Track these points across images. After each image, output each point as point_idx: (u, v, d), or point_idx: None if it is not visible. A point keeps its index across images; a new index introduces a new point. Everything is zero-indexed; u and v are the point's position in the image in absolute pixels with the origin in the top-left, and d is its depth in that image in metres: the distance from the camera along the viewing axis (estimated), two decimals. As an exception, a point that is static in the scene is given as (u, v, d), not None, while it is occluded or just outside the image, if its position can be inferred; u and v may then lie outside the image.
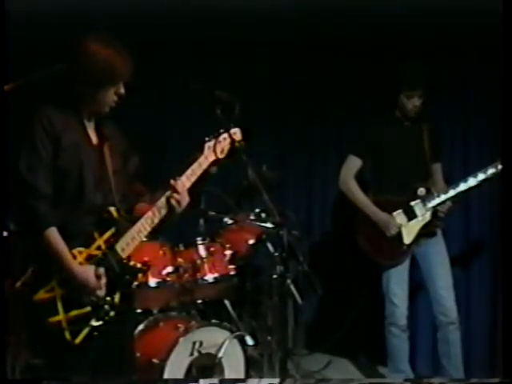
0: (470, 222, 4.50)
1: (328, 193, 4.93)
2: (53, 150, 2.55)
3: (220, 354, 3.46)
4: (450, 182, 4.04)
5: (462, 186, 3.90)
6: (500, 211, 3.65)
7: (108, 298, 2.58)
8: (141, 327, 3.61)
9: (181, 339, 3.41)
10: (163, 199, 2.69)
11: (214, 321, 3.71)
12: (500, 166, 3.77)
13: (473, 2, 3.85)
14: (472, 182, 3.87)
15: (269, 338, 4.00)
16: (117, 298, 2.61)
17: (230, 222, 4.22)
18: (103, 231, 2.61)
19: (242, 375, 3.57)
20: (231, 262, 4.13)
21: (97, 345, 2.58)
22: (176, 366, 3.39)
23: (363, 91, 4.64)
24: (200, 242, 4.01)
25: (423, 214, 4.00)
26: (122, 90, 2.65)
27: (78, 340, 2.50)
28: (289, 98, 4.88)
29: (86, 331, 2.52)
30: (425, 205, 3.99)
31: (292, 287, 3.71)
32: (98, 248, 2.59)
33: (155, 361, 3.38)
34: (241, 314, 4.32)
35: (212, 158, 2.79)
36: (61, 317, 2.49)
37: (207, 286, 3.97)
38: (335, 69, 4.73)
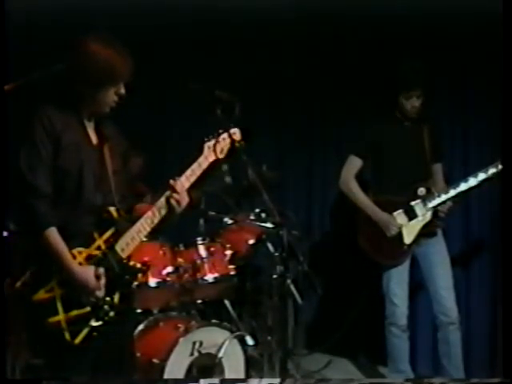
0: (470, 221, 4.49)
1: (328, 193, 4.93)
2: (53, 149, 2.55)
3: (220, 354, 3.46)
4: (451, 182, 4.04)
5: (463, 186, 3.90)
6: (500, 211, 3.65)
7: (108, 298, 2.58)
8: (141, 327, 3.61)
9: (181, 339, 3.41)
10: (163, 199, 2.69)
11: (214, 321, 3.71)
12: (500, 166, 3.76)
13: (473, 2, 3.85)
14: (472, 181, 3.87)
15: (269, 338, 4.00)
16: (116, 298, 2.61)
17: (230, 221, 4.22)
18: (103, 231, 2.61)
19: (242, 375, 3.57)
20: (231, 262, 4.13)
21: (97, 345, 2.57)
22: (176, 366, 3.39)
23: (363, 91, 4.63)
24: (200, 242, 4.02)
25: (424, 214, 4.00)
26: (123, 90, 2.64)
27: (77, 340, 2.50)
28: (289, 98, 4.88)
29: (85, 331, 2.52)
30: (425, 205, 3.99)
31: (292, 287, 3.72)
32: (98, 248, 2.59)
33: (155, 361, 3.38)
34: (241, 314, 4.32)
35: (212, 158, 2.79)
36: (60, 317, 2.49)
37: (207, 286, 3.97)
38: (335, 69, 4.72)
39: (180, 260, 3.91)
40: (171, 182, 2.69)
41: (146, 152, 4.49)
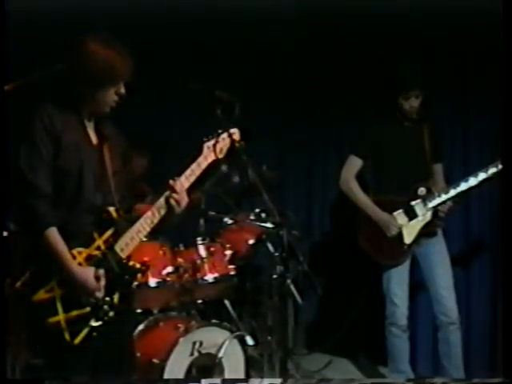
0: (470, 221, 4.49)
1: (328, 193, 4.93)
2: (53, 149, 2.54)
3: (220, 354, 3.46)
4: (451, 182, 4.04)
5: (463, 186, 3.90)
6: (500, 211, 3.65)
7: (107, 299, 2.58)
8: (141, 327, 3.61)
9: (181, 339, 3.41)
10: (162, 199, 2.69)
11: (214, 321, 3.71)
12: (501, 166, 3.76)
13: (473, 2, 3.85)
14: (473, 181, 3.87)
15: (269, 338, 4.00)
16: (116, 298, 2.61)
17: (230, 221, 4.22)
18: (103, 231, 2.61)
19: (242, 375, 3.57)
20: (231, 262, 4.14)
21: (97, 345, 2.57)
22: (176, 366, 3.39)
23: (363, 91, 4.63)
24: (200, 242, 4.02)
25: (424, 214, 4.00)
26: (123, 90, 2.64)
27: (77, 340, 2.50)
28: (289, 98, 4.88)
29: (85, 331, 2.52)
30: (425, 204, 3.99)
31: (292, 287, 3.71)
32: (98, 248, 2.59)
33: (155, 361, 3.38)
34: (241, 314, 4.33)
35: (211, 158, 2.79)
36: (60, 317, 2.49)
37: (207, 286, 3.97)
38: (335, 69, 4.73)
39: (180, 260, 3.91)
40: (171, 182, 2.70)
41: (146, 152, 4.51)
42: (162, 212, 2.69)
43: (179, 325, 3.55)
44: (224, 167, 4.01)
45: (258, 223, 4.08)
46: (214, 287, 4.02)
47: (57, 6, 4.00)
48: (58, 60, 2.74)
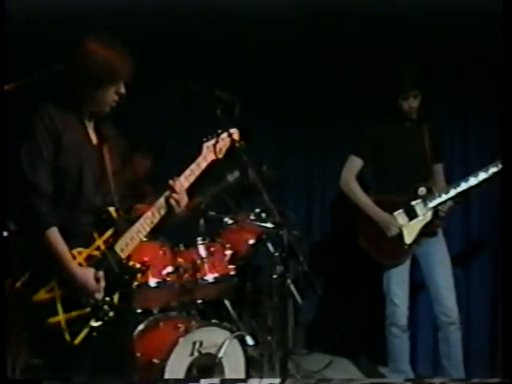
0: (470, 221, 4.49)
1: (328, 193, 4.93)
2: (54, 148, 2.54)
3: (220, 354, 3.46)
4: (451, 182, 4.03)
5: (463, 186, 3.90)
6: (500, 211, 3.65)
7: (107, 299, 2.58)
8: (141, 327, 3.61)
9: (181, 339, 3.41)
10: (162, 199, 2.70)
11: (214, 321, 3.71)
12: (501, 165, 3.76)
13: (473, 2, 3.85)
14: (473, 181, 3.87)
15: (269, 338, 4.01)
16: (116, 298, 2.61)
17: (230, 221, 4.22)
18: (103, 231, 2.61)
19: (242, 375, 3.57)
20: (231, 262, 4.14)
21: (97, 345, 2.57)
22: (176, 366, 3.39)
23: (363, 91, 4.63)
24: (200, 242, 4.02)
25: (424, 214, 3.99)
26: (123, 90, 2.64)
27: (77, 341, 2.50)
28: (289, 98, 4.88)
29: (85, 332, 2.52)
30: (426, 204, 3.99)
31: (292, 287, 3.71)
32: (98, 248, 2.59)
33: (155, 361, 3.38)
34: (241, 314, 4.33)
35: (210, 158, 2.79)
36: (60, 317, 2.49)
37: (207, 286, 3.97)
38: (335, 69, 4.73)
39: (180, 260, 3.91)
40: (170, 182, 2.70)
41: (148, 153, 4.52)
42: (162, 212, 2.70)
43: (179, 325, 3.56)
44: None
45: (257, 223, 4.08)
46: (214, 287, 4.02)
47: (57, 6, 4.00)
48: (58, 60, 2.74)
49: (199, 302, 3.96)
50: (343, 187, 4.19)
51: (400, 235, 4.01)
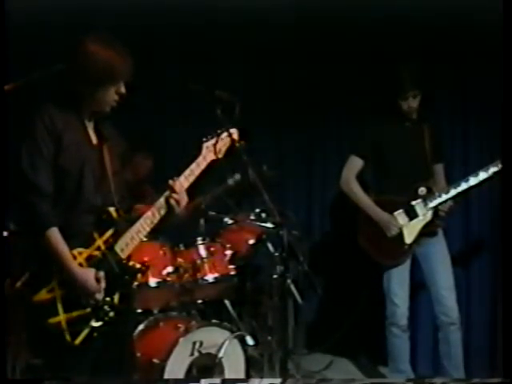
0: (470, 221, 4.49)
1: (328, 193, 4.93)
2: (54, 148, 2.54)
3: (220, 354, 3.46)
4: (451, 182, 4.04)
5: (464, 186, 3.90)
6: (500, 211, 3.65)
7: (108, 299, 2.58)
8: (141, 327, 3.61)
9: (181, 339, 3.41)
10: (162, 199, 2.70)
11: (214, 321, 3.71)
12: (501, 165, 3.77)
13: (473, 2, 3.85)
14: (473, 181, 3.87)
15: (269, 338, 4.01)
16: (116, 298, 2.61)
17: (230, 221, 4.22)
18: (103, 232, 2.61)
19: (242, 375, 3.57)
20: (231, 262, 4.14)
21: (97, 345, 2.57)
22: (176, 366, 3.39)
23: (363, 91, 4.63)
24: (200, 242, 4.02)
25: (424, 214, 3.99)
26: (123, 89, 2.64)
27: (77, 341, 2.50)
28: (289, 98, 4.88)
29: (85, 332, 2.52)
30: (426, 204, 3.99)
31: (292, 287, 3.71)
32: (98, 248, 2.59)
33: (155, 361, 3.38)
34: (241, 314, 4.32)
35: (210, 158, 2.80)
36: (61, 317, 2.49)
37: (207, 286, 3.97)
38: (335, 69, 4.72)
39: (180, 260, 3.91)
40: (170, 182, 2.70)
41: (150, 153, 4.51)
42: (162, 212, 2.70)
43: (179, 325, 3.56)
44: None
45: (258, 223, 4.08)
46: (214, 287, 4.02)
47: (57, 6, 4.00)
48: (58, 60, 2.74)
49: (199, 302, 3.96)
50: (343, 187, 4.19)
51: (400, 235, 4.01)
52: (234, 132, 2.85)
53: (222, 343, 3.47)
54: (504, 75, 3.09)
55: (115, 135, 2.78)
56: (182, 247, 4.02)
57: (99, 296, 2.55)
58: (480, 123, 4.46)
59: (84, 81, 2.59)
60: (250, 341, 3.65)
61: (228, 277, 4.05)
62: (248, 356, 3.62)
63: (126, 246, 2.63)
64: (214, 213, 4.21)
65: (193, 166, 2.76)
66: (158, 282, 3.80)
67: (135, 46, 2.64)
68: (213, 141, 2.81)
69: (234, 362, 3.54)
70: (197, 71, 4.43)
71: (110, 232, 2.61)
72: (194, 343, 3.45)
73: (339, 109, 4.80)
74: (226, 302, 4.18)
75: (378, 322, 4.25)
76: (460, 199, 4.01)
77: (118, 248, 2.62)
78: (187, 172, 2.74)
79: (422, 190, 4.01)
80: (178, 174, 2.73)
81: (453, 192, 3.93)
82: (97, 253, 2.58)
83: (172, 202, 2.68)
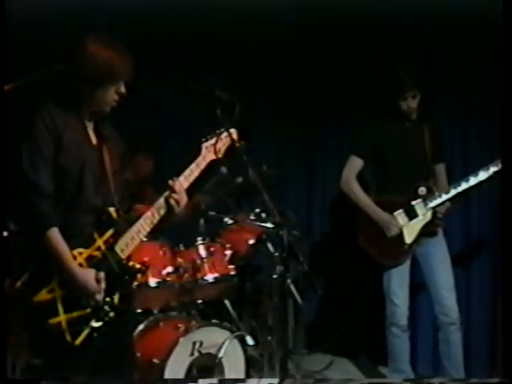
0: (470, 221, 4.50)
1: (328, 193, 4.93)
2: (54, 148, 2.54)
3: (220, 354, 3.46)
4: (451, 182, 4.04)
5: (464, 186, 3.90)
6: (500, 211, 3.65)
7: (108, 299, 2.58)
8: (141, 327, 3.61)
9: (181, 339, 3.41)
10: (162, 199, 2.70)
11: (214, 321, 3.71)
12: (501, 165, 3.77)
13: (473, 2, 3.85)
14: (473, 181, 3.87)
15: (269, 338, 4.01)
16: (116, 298, 2.61)
17: (230, 221, 4.22)
18: (103, 232, 2.61)
19: (242, 375, 3.57)
20: (231, 262, 4.13)
21: (97, 345, 2.57)
22: (176, 366, 3.39)
23: (363, 91, 4.63)
24: (200, 242, 4.02)
25: (424, 214, 3.99)
26: (123, 89, 2.64)
27: (78, 341, 2.50)
28: (289, 98, 4.88)
29: (86, 332, 2.52)
30: (426, 204, 3.99)
31: (292, 287, 3.71)
32: (98, 249, 2.59)
33: (155, 361, 3.38)
34: (241, 314, 4.32)
35: (210, 158, 2.80)
36: (61, 318, 2.49)
37: (207, 286, 3.97)
38: (335, 69, 4.72)
39: (180, 260, 3.91)
40: (170, 182, 2.70)
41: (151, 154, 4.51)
42: (162, 212, 2.70)
43: (179, 325, 3.56)
44: (223, 169, 4.03)
45: (258, 223, 4.08)
46: (214, 287, 4.02)
47: (57, 6, 4.00)
48: (58, 60, 2.74)
49: (199, 302, 3.96)
50: (344, 187, 4.19)
51: (400, 235, 4.01)
52: (234, 132, 2.85)
53: (222, 343, 3.47)
54: (504, 75, 3.09)
55: (115, 135, 2.78)
56: (181, 247, 4.02)
57: (99, 296, 2.55)
58: (480, 123, 4.46)
59: (84, 81, 2.59)
60: (249, 341, 3.65)
61: (228, 277, 4.05)
62: (248, 356, 3.62)
63: (126, 246, 2.63)
64: (213, 213, 4.21)
65: (192, 166, 2.76)
66: (158, 282, 3.80)
67: (135, 46, 2.64)
68: (212, 141, 2.81)
69: (233, 362, 3.54)
70: (197, 71, 4.43)
71: (110, 232, 2.61)
72: (194, 343, 3.45)
73: (339, 109, 4.80)
74: (226, 301, 4.17)
75: (377, 321, 4.25)
76: (460, 199, 4.01)
77: (118, 248, 2.62)
78: (187, 172, 2.74)
79: (422, 190, 4.01)
80: (178, 174, 2.73)
81: (453, 192, 3.93)
82: (97, 253, 2.58)
83: (172, 202, 2.68)
